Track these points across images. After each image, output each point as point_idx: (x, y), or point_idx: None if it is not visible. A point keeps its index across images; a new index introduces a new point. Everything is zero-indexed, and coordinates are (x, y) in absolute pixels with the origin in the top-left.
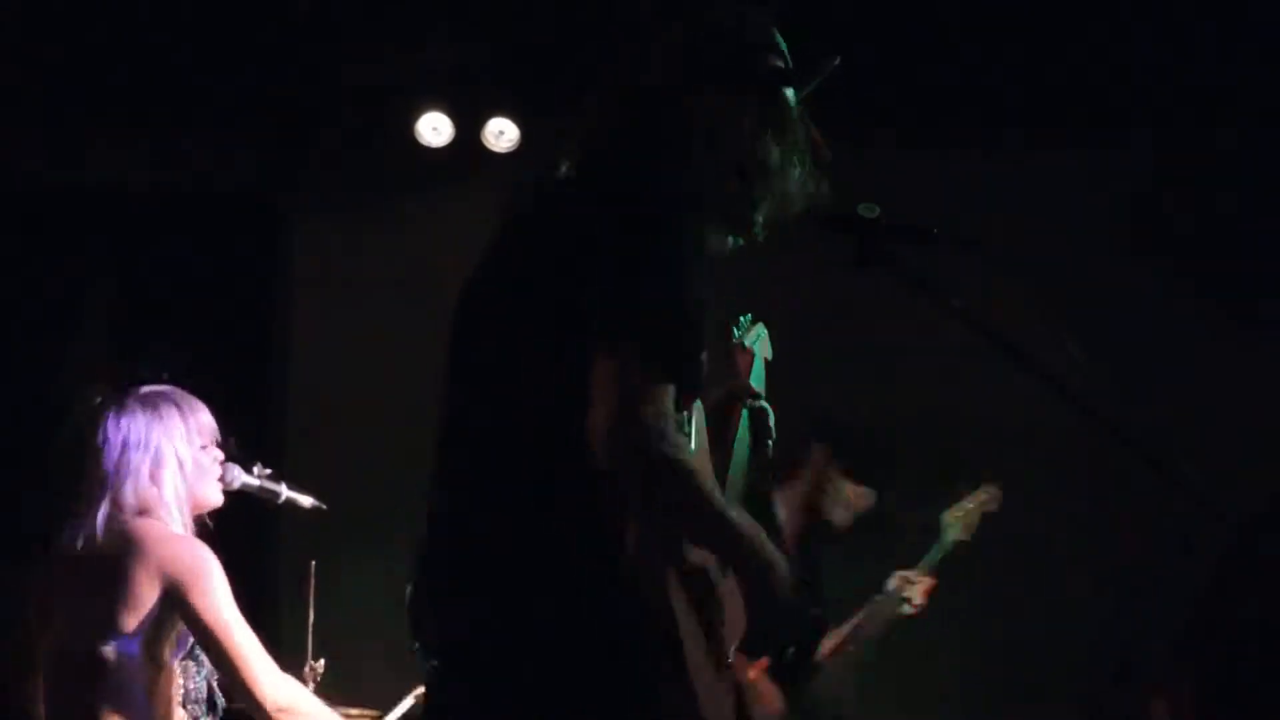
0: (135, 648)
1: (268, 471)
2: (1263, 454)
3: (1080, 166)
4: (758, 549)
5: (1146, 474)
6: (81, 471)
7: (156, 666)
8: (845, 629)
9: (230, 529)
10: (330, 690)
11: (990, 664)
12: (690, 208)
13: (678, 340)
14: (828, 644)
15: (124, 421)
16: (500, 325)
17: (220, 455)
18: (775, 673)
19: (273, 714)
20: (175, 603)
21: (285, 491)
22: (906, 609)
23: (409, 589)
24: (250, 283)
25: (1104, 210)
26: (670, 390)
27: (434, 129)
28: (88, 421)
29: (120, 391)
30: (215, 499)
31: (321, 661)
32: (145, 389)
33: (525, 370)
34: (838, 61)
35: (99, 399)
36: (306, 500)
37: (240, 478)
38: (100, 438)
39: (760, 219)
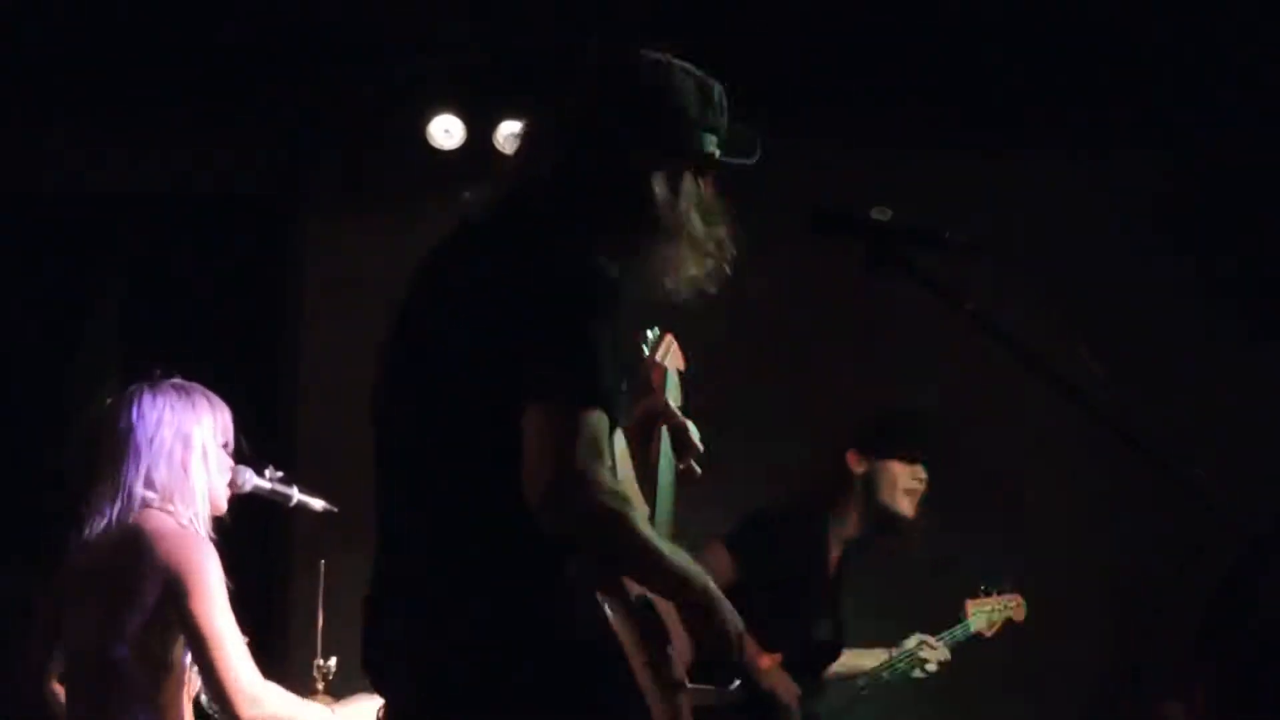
0: (142, 648)
1: (279, 474)
2: (1276, 458)
3: (1095, 169)
4: (696, 587)
5: (1157, 477)
6: (102, 459)
7: (166, 668)
8: (862, 666)
9: (241, 529)
10: (339, 689)
11: (999, 666)
12: (607, 254)
13: (601, 379)
14: (835, 668)
15: (160, 401)
16: (428, 353)
17: (231, 462)
18: (790, 667)
19: None
20: (171, 601)
21: (296, 494)
22: (918, 672)
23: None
24: (261, 285)
25: (1118, 213)
26: (601, 431)
27: (446, 131)
28: (112, 407)
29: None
30: (222, 502)
31: (333, 660)
32: (177, 380)
33: (457, 403)
34: (755, 158)
35: (108, 401)
36: (318, 503)
37: (252, 480)
38: (133, 415)
39: (664, 278)
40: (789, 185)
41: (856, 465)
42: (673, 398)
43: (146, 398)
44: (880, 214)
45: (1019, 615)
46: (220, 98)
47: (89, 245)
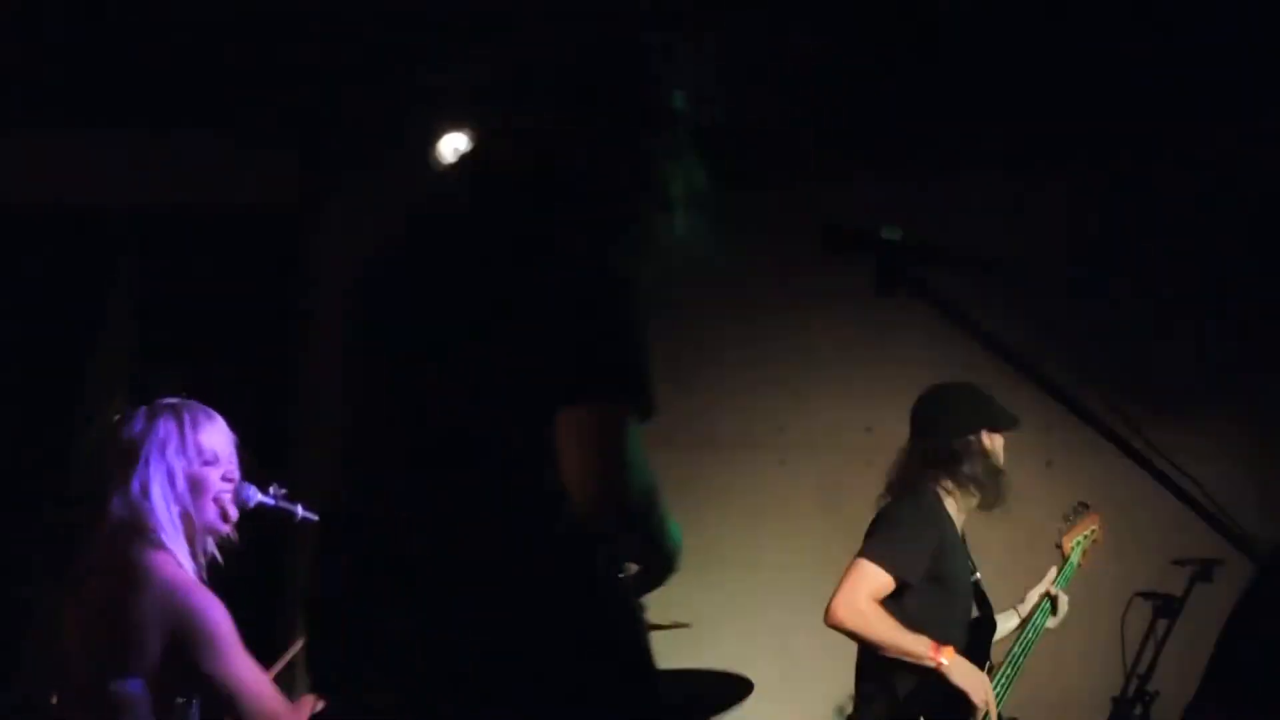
0: (140, 687)
1: (283, 492)
2: None
3: (1105, 188)
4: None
5: (1169, 498)
6: (101, 492)
7: (164, 705)
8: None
9: (241, 539)
10: None
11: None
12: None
13: (648, 383)
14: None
15: (122, 435)
16: (422, 330)
17: (235, 475)
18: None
19: None
20: (181, 654)
21: (301, 511)
22: (1049, 624)
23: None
24: (272, 301)
25: (1130, 231)
26: (639, 431)
27: (455, 149)
28: (111, 440)
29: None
30: (212, 520)
31: None
32: (156, 402)
33: (464, 384)
34: (721, 118)
35: (116, 418)
36: None
37: (256, 498)
38: (99, 453)
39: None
40: (800, 204)
41: (982, 442)
42: None
43: (141, 445)
44: (891, 233)
45: (1101, 535)
46: (232, 114)
47: (101, 258)
